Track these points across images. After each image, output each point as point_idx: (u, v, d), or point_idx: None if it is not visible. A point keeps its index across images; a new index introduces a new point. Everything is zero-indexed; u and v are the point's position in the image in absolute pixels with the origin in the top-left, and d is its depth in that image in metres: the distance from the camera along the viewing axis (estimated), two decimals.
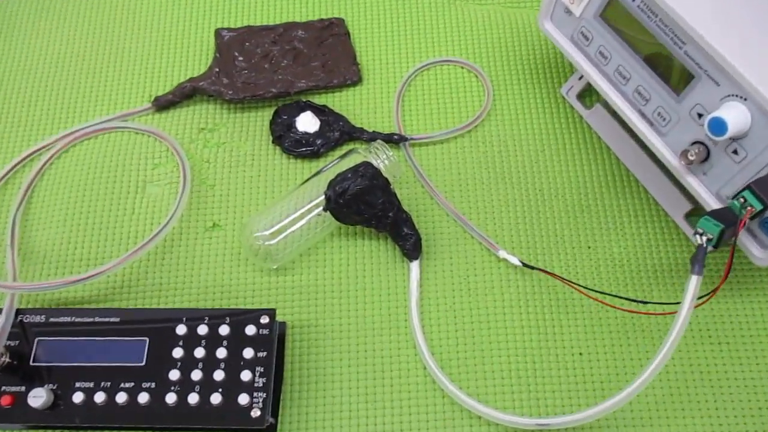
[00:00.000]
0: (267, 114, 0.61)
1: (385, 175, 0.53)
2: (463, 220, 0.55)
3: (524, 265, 0.52)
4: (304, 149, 0.58)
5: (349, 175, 0.51)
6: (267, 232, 0.52)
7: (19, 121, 0.61)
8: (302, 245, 0.53)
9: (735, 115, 0.42)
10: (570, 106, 0.61)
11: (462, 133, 0.59)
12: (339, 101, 0.61)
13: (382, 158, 0.54)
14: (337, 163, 0.54)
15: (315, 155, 0.58)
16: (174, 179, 0.58)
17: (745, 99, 0.43)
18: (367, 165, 0.51)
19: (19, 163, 0.58)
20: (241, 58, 0.61)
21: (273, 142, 0.58)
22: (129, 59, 0.64)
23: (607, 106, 0.59)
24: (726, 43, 0.43)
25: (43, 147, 0.59)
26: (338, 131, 0.58)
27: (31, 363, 0.47)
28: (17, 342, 0.47)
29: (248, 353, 0.47)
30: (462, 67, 0.62)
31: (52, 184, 0.58)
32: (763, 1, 0.46)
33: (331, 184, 0.51)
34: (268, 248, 0.52)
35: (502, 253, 0.53)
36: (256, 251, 0.52)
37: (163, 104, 0.60)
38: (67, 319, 0.49)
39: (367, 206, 0.51)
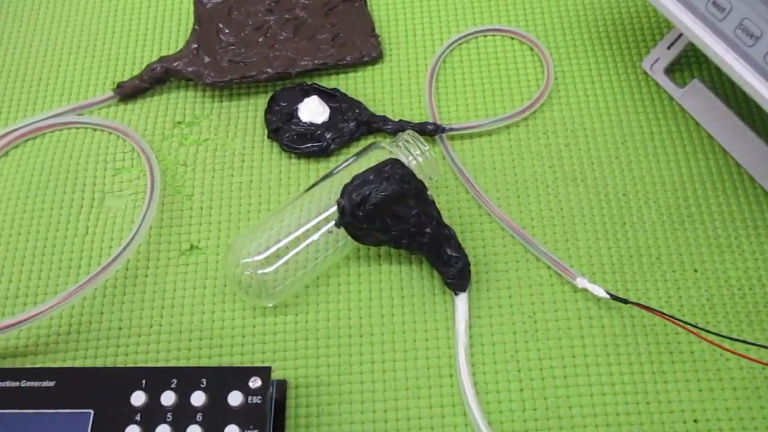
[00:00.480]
0: (261, 101, 0.47)
1: (420, 176, 0.39)
2: (524, 237, 0.41)
3: (612, 297, 0.38)
4: (309, 145, 0.44)
5: (371, 177, 0.37)
6: (260, 257, 0.38)
7: None
8: (308, 274, 0.39)
9: None
10: (656, 84, 0.46)
11: (516, 121, 0.45)
12: (354, 83, 0.47)
13: (414, 153, 0.40)
14: (354, 162, 0.41)
15: (324, 153, 0.44)
16: (141, 188, 0.44)
17: None
18: (395, 163, 0.38)
19: None
20: (227, 31, 0.47)
21: (269, 136, 0.45)
22: (85, 37, 0.50)
23: (707, 81, 0.45)
24: None
25: None
26: (354, 121, 0.44)
27: None
28: None
29: None
30: (512, 38, 0.49)
31: None
32: None
33: (346, 191, 0.37)
34: (262, 279, 0.38)
35: (581, 282, 0.39)
36: (246, 284, 0.38)
37: (128, 92, 0.47)
38: None
39: (396, 220, 0.37)
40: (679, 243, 0.41)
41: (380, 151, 0.41)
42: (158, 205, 0.43)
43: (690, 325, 0.37)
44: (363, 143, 0.45)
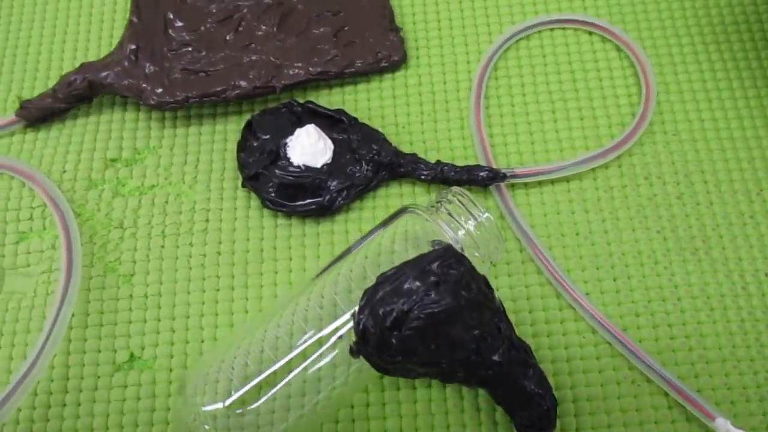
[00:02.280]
0: (233, 127, 0.33)
1: (477, 262, 0.25)
2: (628, 344, 0.27)
3: None
4: (306, 202, 0.30)
5: (410, 285, 0.23)
6: (233, 399, 0.24)
7: None
8: (307, 418, 0.25)
9: None
10: None
11: (606, 162, 0.31)
12: (366, 99, 0.33)
13: (466, 225, 0.26)
14: (378, 235, 0.27)
15: (327, 211, 0.30)
16: (58, 262, 0.30)
17: None
18: (445, 256, 0.24)
19: None
20: (179, 25, 0.33)
21: (244, 185, 0.31)
22: None
23: None
24: None
25: None
26: (371, 163, 0.30)
27: None
28: None
29: None
30: (590, 34, 0.34)
31: None
32: None
33: (369, 301, 0.23)
34: (239, 424, 0.24)
35: (722, 425, 0.26)
36: None
37: (36, 115, 0.32)
38: None
39: (449, 347, 0.23)
40: None
41: (414, 218, 0.27)
42: (80, 292, 0.29)
43: None
44: (384, 194, 0.31)
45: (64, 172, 0.32)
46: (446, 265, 0.23)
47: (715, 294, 0.29)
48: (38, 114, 0.32)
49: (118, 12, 0.35)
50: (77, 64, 0.33)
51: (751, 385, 0.27)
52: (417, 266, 0.23)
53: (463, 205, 0.27)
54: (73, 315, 0.29)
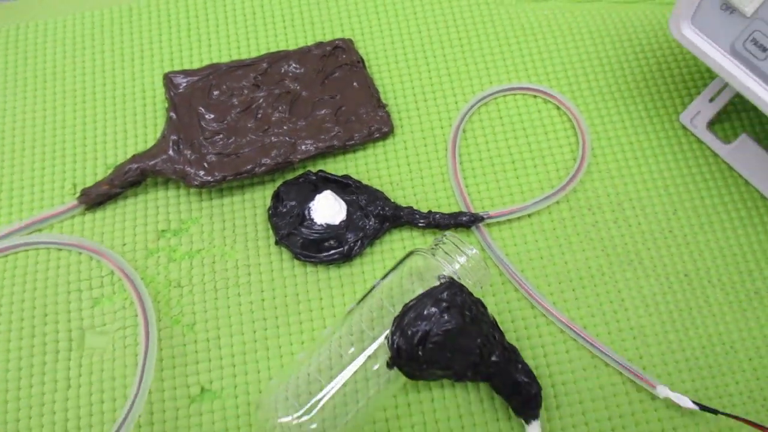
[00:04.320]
0: (259, 195, 0.40)
1: (471, 288, 0.34)
2: (588, 339, 0.36)
3: (701, 407, 0.34)
4: (330, 253, 0.38)
5: (428, 311, 0.31)
6: (303, 416, 0.31)
7: None
8: (353, 423, 0.33)
9: None
10: (698, 141, 0.42)
11: (557, 199, 0.40)
12: (365, 164, 0.41)
13: (460, 261, 0.34)
14: (392, 276, 0.35)
15: (347, 258, 0.38)
16: (129, 321, 0.37)
17: None
18: (451, 287, 0.32)
19: None
20: (210, 117, 0.40)
21: (277, 243, 0.38)
22: (38, 136, 0.42)
23: (756, 135, 0.41)
24: None
25: None
26: (377, 217, 0.38)
27: None
28: None
29: None
30: (534, 97, 0.43)
31: None
32: None
33: (399, 326, 0.31)
34: (307, 431, 0.32)
35: (663, 391, 0.34)
36: None
37: (95, 200, 0.39)
38: None
39: (460, 355, 0.31)
40: (750, 326, 0.37)
41: (419, 258, 0.35)
42: (156, 344, 0.36)
43: None
44: (389, 239, 0.39)
45: (124, 245, 0.39)
46: (452, 294, 0.31)
47: (649, 294, 0.38)
48: (96, 199, 0.39)
49: (157, 109, 0.42)
50: (123, 151, 0.40)
51: (681, 358, 0.36)
52: (432, 296, 0.31)
53: (455, 245, 0.35)
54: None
